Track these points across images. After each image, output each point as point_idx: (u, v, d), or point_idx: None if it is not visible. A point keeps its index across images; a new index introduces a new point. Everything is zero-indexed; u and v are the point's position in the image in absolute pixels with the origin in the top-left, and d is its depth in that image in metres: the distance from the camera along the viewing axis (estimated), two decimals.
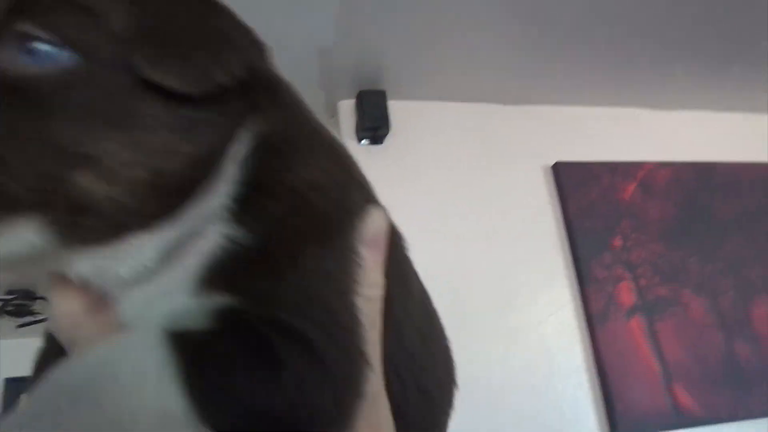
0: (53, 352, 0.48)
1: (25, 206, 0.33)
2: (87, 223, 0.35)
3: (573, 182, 2.32)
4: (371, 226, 0.45)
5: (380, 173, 2.84)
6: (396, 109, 2.37)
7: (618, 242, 2.29)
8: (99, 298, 0.43)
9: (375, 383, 0.41)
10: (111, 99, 0.35)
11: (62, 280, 0.42)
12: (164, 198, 0.37)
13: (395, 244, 0.52)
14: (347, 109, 2.37)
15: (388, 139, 2.34)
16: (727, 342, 2.27)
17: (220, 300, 0.37)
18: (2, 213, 0.32)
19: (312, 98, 2.34)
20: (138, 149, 0.35)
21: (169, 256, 0.40)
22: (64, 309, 0.42)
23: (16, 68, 0.33)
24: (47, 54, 0.34)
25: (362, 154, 2.34)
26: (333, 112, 2.44)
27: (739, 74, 2.52)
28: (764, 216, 2.56)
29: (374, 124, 2.28)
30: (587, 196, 2.33)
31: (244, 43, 0.42)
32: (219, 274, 0.38)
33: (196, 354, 0.33)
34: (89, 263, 0.39)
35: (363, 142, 2.33)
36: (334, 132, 2.42)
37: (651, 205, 2.41)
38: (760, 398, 2.23)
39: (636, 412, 2.06)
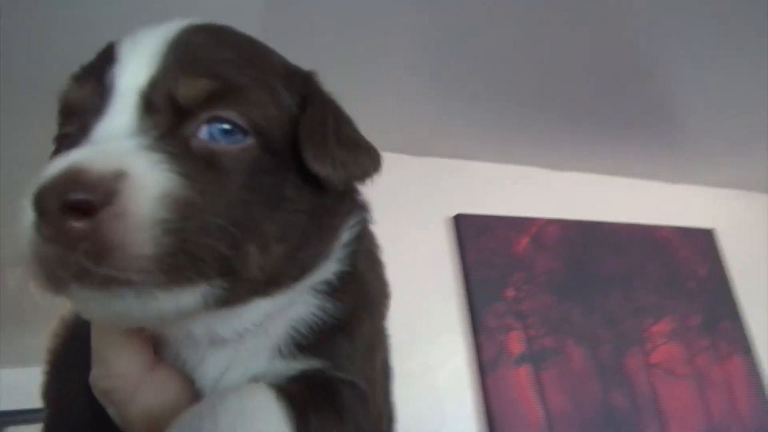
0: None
1: (212, 271, 0.37)
2: (240, 288, 0.40)
3: (471, 234, 2.43)
4: None
5: None
6: None
7: (510, 293, 2.41)
8: (156, 358, 0.46)
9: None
10: (274, 179, 0.42)
11: (128, 339, 0.44)
12: (293, 270, 0.43)
13: None
14: None
15: None
16: (604, 390, 2.42)
17: (306, 363, 0.45)
18: (194, 275, 0.36)
19: None
20: (287, 227, 0.42)
21: (264, 320, 0.45)
22: (124, 368, 0.44)
23: (210, 144, 0.39)
24: (235, 135, 0.40)
25: None
26: None
27: (626, 143, 2.78)
28: (639, 273, 2.79)
29: None
30: (484, 248, 2.44)
31: (372, 152, 0.53)
32: (307, 340, 0.46)
33: (297, 405, 0.41)
34: (206, 322, 0.43)
35: None
36: None
37: (541, 258, 2.56)
38: None
39: None
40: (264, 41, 0.53)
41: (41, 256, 0.35)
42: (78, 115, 0.41)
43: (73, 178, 0.33)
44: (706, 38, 2.08)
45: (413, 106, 2.28)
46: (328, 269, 0.48)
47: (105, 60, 0.42)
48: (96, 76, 0.41)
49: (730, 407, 2.66)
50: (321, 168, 0.44)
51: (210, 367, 0.46)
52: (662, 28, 2.00)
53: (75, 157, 0.35)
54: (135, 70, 0.40)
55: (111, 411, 0.44)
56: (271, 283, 0.42)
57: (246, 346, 0.46)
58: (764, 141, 2.94)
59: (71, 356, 0.50)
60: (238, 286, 0.39)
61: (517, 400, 2.21)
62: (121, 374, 0.43)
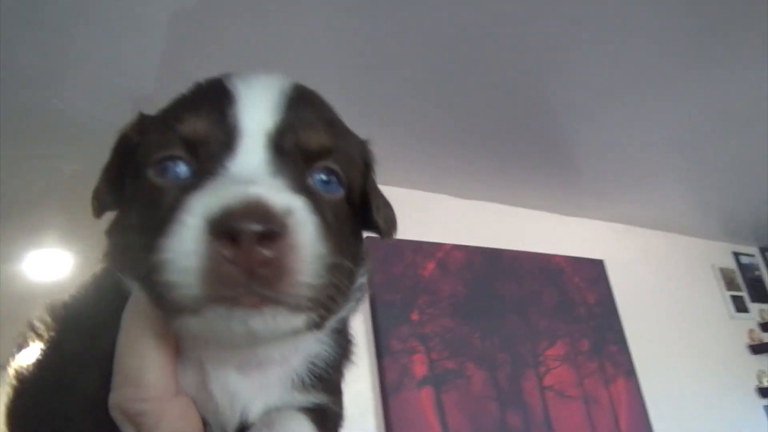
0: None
1: (318, 306, 0.41)
2: (327, 317, 0.44)
3: (379, 257, 2.46)
4: None
5: None
6: None
7: (415, 316, 2.45)
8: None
9: None
10: (345, 226, 0.49)
11: (167, 361, 0.45)
12: (337, 307, 0.46)
13: None
14: None
15: None
16: (501, 412, 2.51)
17: (317, 396, 0.51)
18: (324, 304, 0.42)
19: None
20: (347, 267, 0.45)
21: (291, 352, 0.49)
22: (160, 391, 0.44)
23: (320, 190, 0.46)
24: (332, 185, 0.47)
25: None
26: None
27: (528, 176, 2.94)
28: (535, 299, 2.93)
29: None
30: (391, 271, 2.48)
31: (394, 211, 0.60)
32: (320, 375, 0.51)
33: (318, 423, 0.49)
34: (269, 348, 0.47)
35: None
36: None
37: (445, 283, 2.64)
38: None
39: None
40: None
41: (218, 275, 0.37)
42: (197, 145, 0.44)
43: (262, 210, 0.38)
44: (603, 86, 2.26)
45: None
46: (348, 309, 0.53)
47: (218, 98, 0.46)
48: (215, 113, 0.45)
49: (614, 426, 2.84)
50: (379, 219, 0.54)
51: (238, 393, 0.48)
52: (566, 74, 2.16)
53: (255, 190, 0.39)
54: (261, 115, 0.45)
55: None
56: (329, 316, 0.46)
57: (268, 376, 0.49)
58: (649, 182, 3.22)
59: (64, 374, 0.47)
60: (327, 315, 0.44)
61: (418, 423, 2.24)
62: (155, 398, 0.43)
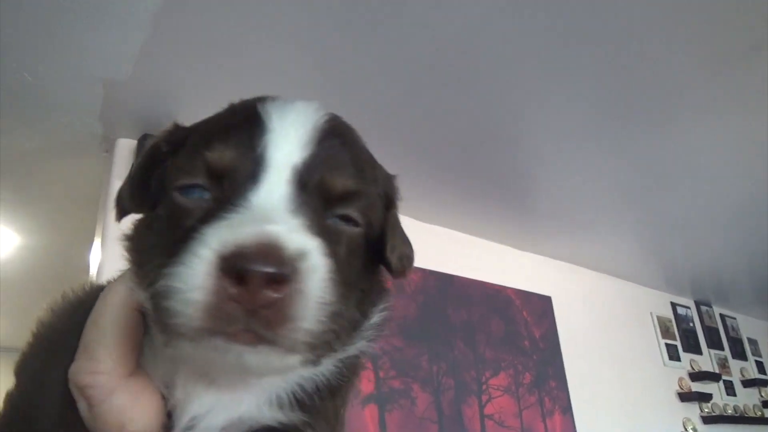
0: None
1: (313, 349, 0.41)
2: (322, 357, 0.44)
3: None
4: None
5: None
6: None
7: None
8: (136, 366, 0.47)
9: None
10: (363, 260, 0.50)
11: (120, 341, 0.46)
12: (334, 350, 0.45)
13: None
14: (126, 147, 2.23)
15: None
16: None
17: (290, 416, 0.48)
18: (321, 348, 0.42)
19: (85, 128, 2.16)
20: (350, 316, 0.46)
21: (273, 377, 0.48)
22: (109, 368, 0.45)
23: (345, 229, 0.48)
24: (353, 225, 0.48)
25: None
26: (109, 147, 2.26)
27: (485, 206, 3.00)
28: (483, 327, 2.98)
29: None
30: None
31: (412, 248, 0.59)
32: (305, 397, 0.49)
33: None
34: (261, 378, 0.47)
35: None
36: (103, 168, 2.28)
37: (398, 303, 2.64)
38: None
39: None
40: None
41: (220, 311, 0.38)
42: (222, 175, 0.45)
43: (274, 253, 0.38)
44: (562, 131, 2.36)
45: None
46: (359, 348, 0.52)
47: (249, 126, 0.47)
48: (244, 143, 0.46)
49: None
50: (392, 258, 0.53)
51: (197, 403, 0.47)
52: (530, 115, 2.25)
53: (271, 229, 0.39)
54: (290, 149, 0.45)
55: (81, 406, 0.44)
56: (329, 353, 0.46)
57: (239, 394, 0.48)
58: (597, 226, 3.34)
59: (58, 340, 0.50)
60: (323, 356, 0.44)
61: None
62: (104, 372, 0.44)
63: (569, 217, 3.20)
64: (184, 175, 0.46)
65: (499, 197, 2.93)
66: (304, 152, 0.46)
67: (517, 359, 3.04)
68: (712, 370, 4.39)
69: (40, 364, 0.50)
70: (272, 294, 0.37)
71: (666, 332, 4.26)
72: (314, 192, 0.45)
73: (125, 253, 0.50)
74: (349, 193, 0.47)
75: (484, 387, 2.79)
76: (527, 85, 2.06)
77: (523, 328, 3.18)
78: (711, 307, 4.85)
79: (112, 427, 0.44)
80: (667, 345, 4.19)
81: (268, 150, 0.45)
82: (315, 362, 0.43)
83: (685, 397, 4.05)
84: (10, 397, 0.50)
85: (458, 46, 1.84)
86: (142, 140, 2.17)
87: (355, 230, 0.49)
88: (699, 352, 4.45)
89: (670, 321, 4.37)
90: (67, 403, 0.45)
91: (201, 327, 0.38)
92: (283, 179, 0.44)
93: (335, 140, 0.49)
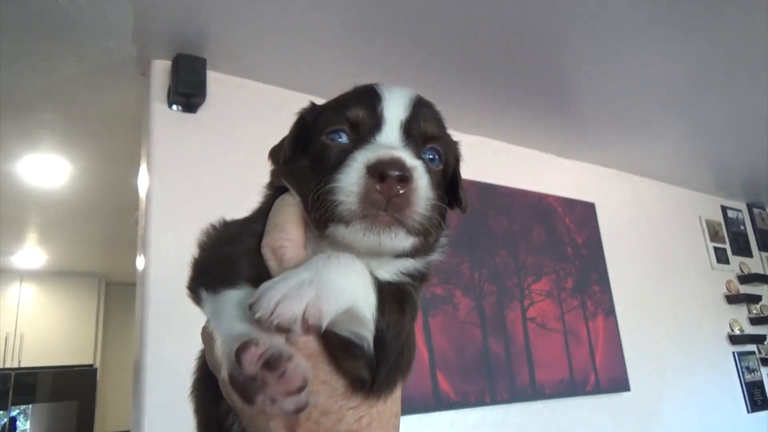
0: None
1: (423, 232, 0.61)
2: (426, 247, 0.64)
3: None
4: None
5: (188, 144, 2.69)
6: (215, 80, 2.30)
7: None
8: None
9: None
10: (445, 190, 0.70)
11: (302, 222, 0.65)
12: (434, 240, 0.65)
13: None
14: (161, 69, 2.24)
15: (203, 110, 2.26)
16: (484, 338, 2.60)
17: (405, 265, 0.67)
18: (425, 231, 0.61)
19: (120, 52, 2.18)
20: (443, 208, 0.67)
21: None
22: (297, 236, 0.63)
23: (431, 165, 0.67)
24: (435, 160, 0.68)
25: (171, 119, 2.22)
26: (145, 70, 2.28)
27: (526, 114, 2.94)
28: (525, 236, 2.99)
29: (189, 91, 2.17)
30: None
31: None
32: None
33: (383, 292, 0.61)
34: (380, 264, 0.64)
35: (174, 107, 2.22)
36: (141, 91, 2.32)
37: None
38: (502, 388, 2.59)
39: (404, 395, 2.25)
40: None
41: (370, 198, 0.58)
42: (357, 124, 0.67)
43: (400, 163, 0.58)
44: (609, 27, 2.23)
45: (326, 51, 2.27)
46: (431, 259, 0.69)
47: (371, 97, 0.69)
48: (369, 107, 0.68)
49: (590, 360, 2.96)
50: (462, 194, 0.74)
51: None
52: (572, 11, 2.12)
53: (396, 152, 0.60)
54: (397, 111, 0.68)
55: (271, 264, 0.62)
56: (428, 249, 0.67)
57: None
58: (645, 129, 3.23)
59: (239, 230, 0.69)
60: (426, 245, 0.63)
61: None
62: (293, 240, 0.63)
63: (615, 121, 3.10)
64: (333, 124, 0.68)
65: (540, 104, 2.85)
66: (406, 113, 0.68)
67: (559, 265, 3.06)
68: (762, 272, 4.32)
69: (229, 240, 0.68)
70: (400, 189, 0.58)
71: (715, 236, 4.18)
72: (414, 136, 0.67)
73: (288, 184, 0.69)
74: (435, 136, 0.69)
75: (526, 292, 2.84)
76: None
77: (565, 235, 3.18)
78: (764, 209, 4.71)
79: None
80: (715, 248, 4.12)
81: (384, 111, 0.67)
82: (420, 251, 0.63)
83: (733, 299, 4.02)
84: (204, 246, 0.69)
85: None
86: (177, 61, 2.17)
87: (438, 167, 0.69)
88: (749, 254, 4.37)
89: (720, 224, 4.28)
90: (258, 261, 0.64)
91: (357, 210, 0.58)
92: (395, 128, 0.66)
93: (423, 107, 0.71)
